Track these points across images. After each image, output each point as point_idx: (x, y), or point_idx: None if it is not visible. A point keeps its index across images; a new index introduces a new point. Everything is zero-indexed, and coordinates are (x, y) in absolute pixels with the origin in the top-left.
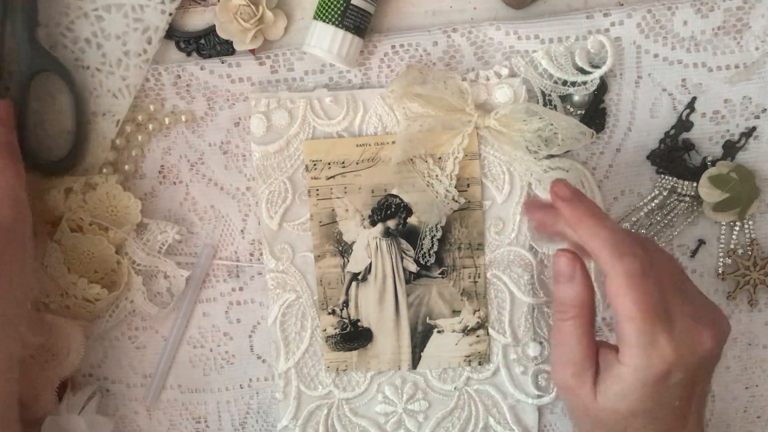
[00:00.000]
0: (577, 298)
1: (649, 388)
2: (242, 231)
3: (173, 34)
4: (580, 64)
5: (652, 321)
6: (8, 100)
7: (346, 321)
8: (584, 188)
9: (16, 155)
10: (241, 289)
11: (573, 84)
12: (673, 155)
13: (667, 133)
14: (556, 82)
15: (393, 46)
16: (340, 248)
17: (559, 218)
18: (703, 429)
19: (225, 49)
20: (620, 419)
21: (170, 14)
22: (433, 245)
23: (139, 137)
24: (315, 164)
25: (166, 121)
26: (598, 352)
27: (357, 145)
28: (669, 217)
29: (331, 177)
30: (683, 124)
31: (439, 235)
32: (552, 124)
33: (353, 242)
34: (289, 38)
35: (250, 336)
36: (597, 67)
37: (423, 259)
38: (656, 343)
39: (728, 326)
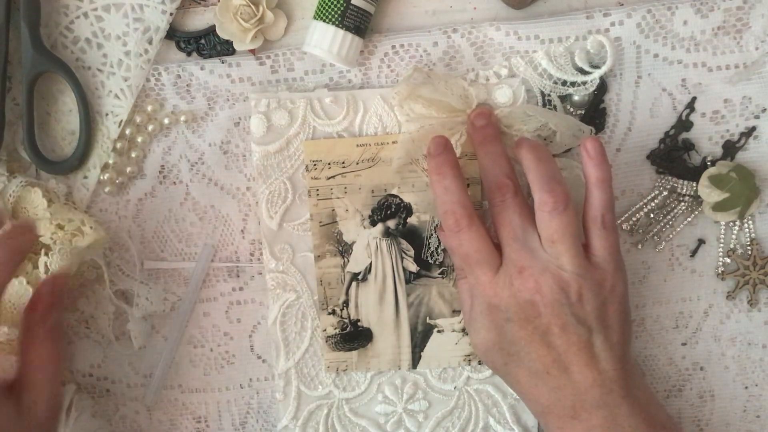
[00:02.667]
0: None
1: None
2: (242, 231)
3: (173, 34)
4: (579, 64)
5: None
6: (62, 275)
7: (346, 321)
8: (584, 188)
9: (61, 339)
10: (241, 288)
11: (573, 84)
12: (673, 155)
13: (667, 133)
14: (555, 83)
15: (393, 46)
16: (340, 248)
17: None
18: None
19: (225, 49)
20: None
21: (171, 14)
22: (440, 243)
23: (139, 138)
24: (315, 164)
25: (166, 121)
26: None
27: (357, 145)
28: (669, 217)
29: (331, 177)
30: (683, 124)
31: None
32: (549, 125)
33: (353, 242)
34: (289, 38)
35: (250, 336)
36: (597, 67)
37: (431, 258)
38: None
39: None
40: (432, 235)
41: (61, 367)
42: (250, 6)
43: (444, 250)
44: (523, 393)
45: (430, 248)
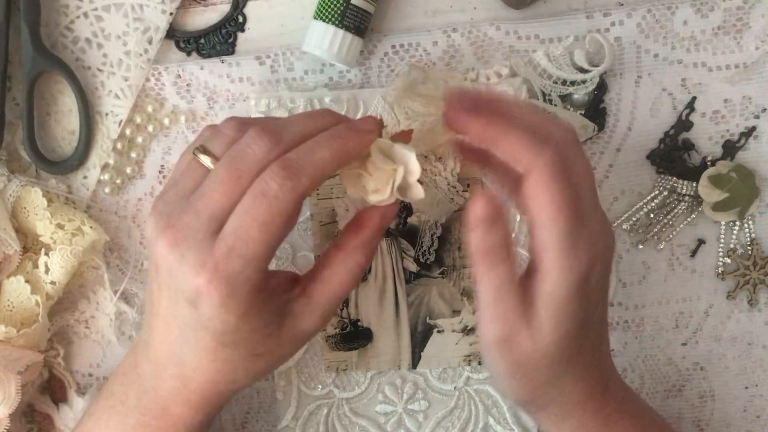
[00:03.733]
0: (506, 238)
1: (576, 292)
2: None
3: (173, 33)
4: (579, 63)
5: (575, 217)
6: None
7: (346, 321)
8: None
9: (361, 274)
10: None
11: (572, 83)
12: (673, 155)
13: (667, 133)
14: (555, 82)
15: (393, 46)
16: None
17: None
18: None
19: (225, 48)
20: (558, 352)
21: (171, 14)
22: (433, 243)
23: (140, 138)
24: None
25: (166, 121)
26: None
27: None
28: (669, 217)
29: (332, 177)
30: (683, 124)
31: (438, 232)
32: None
33: None
34: (289, 38)
35: None
36: (596, 66)
37: (423, 257)
38: (578, 241)
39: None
40: (425, 234)
41: (343, 298)
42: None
43: (436, 250)
44: None
45: (422, 247)
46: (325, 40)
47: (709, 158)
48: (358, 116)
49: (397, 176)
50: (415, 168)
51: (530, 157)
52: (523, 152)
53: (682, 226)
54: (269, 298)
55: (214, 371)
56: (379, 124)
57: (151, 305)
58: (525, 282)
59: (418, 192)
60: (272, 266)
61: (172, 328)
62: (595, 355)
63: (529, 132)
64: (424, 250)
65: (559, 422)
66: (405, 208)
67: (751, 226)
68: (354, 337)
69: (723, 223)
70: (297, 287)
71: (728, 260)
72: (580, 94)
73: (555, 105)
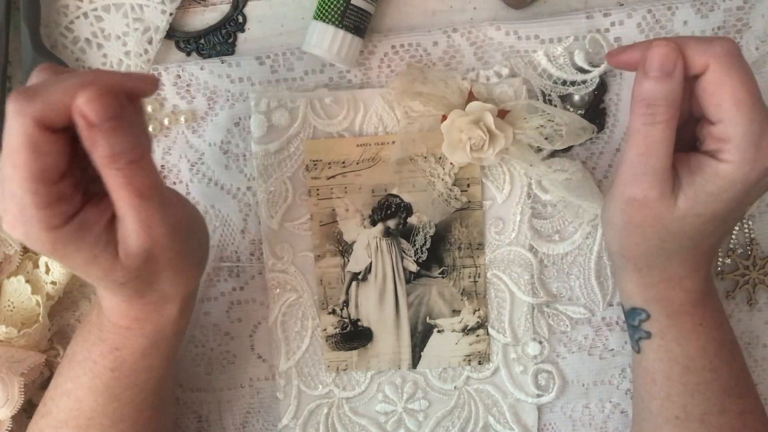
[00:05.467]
0: (674, 98)
1: (746, 186)
2: (242, 231)
3: (173, 33)
4: (579, 63)
5: (761, 107)
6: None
7: (347, 320)
8: (584, 188)
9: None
10: (241, 288)
11: (573, 83)
12: None
13: None
14: (555, 82)
15: (393, 46)
16: (341, 248)
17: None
18: None
19: (225, 49)
20: (699, 224)
21: (170, 14)
22: (426, 242)
23: None
24: (315, 164)
25: (166, 121)
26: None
27: (357, 145)
28: None
29: (332, 177)
30: None
31: (432, 232)
32: (552, 121)
33: (353, 242)
34: (289, 38)
35: (250, 335)
36: (596, 66)
37: (415, 255)
38: (765, 134)
39: None
40: (419, 233)
41: (144, 201)
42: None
43: (429, 249)
44: None
45: (415, 245)
46: (325, 40)
47: None
48: (359, 116)
49: (485, 116)
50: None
51: (703, 54)
52: (696, 50)
53: None
54: (81, 232)
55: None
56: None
57: None
58: (689, 153)
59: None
60: (273, 265)
61: None
62: (713, 250)
63: (696, 37)
64: (416, 249)
65: (647, 286)
66: (405, 208)
67: (751, 226)
68: (354, 336)
69: None
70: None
71: (728, 260)
72: (580, 94)
73: (555, 105)
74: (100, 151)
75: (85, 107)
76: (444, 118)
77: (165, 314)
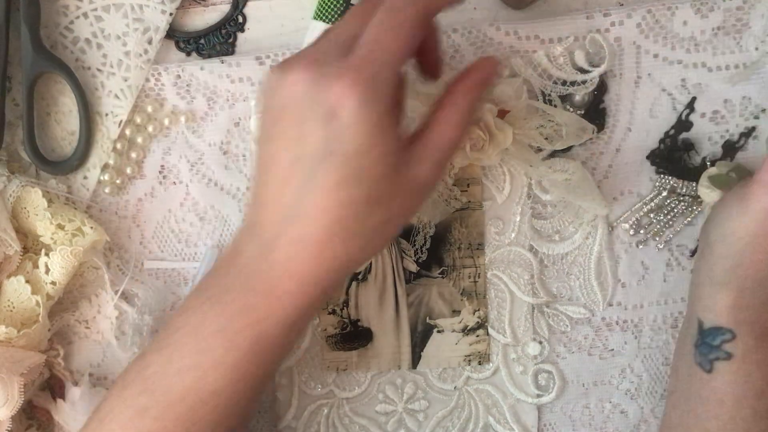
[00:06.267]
0: None
1: None
2: None
3: (173, 34)
4: (579, 63)
5: None
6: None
7: (346, 321)
8: (584, 188)
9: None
10: None
11: (572, 84)
12: (673, 155)
13: (666, 133)
14: (555, 82)
15: None
16: None
17: None
18: None
19: (225, 49)
20: None
21: (170, 14)
22: (426, 242)
23: (139, 139)
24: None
25: (166, 121)
26: None
27: None
28: (668, 217)
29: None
30: (683, 124)
31: (432, 232)
32: (552, 121)
33: None
34: (289, 38)
35: None
36: (596, 66)
37: (415, 255)
38: None
39: None
40: (419, 233)
41: (456, 145)
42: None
43: (429, 249)
44: None
45: (415, 246)
46: None
47: (708, 158)
48: None
49: (485, 116)
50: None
51: None
52: None
53: (681, 226)
54: (394, 127)
55: (330, 224)
56: None
57: (265, 171)
58: None
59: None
60: None
61: (291, 177)
62: None
63: None
64: (416, 249)
65: (742, 308)
66: None
67: None
68: (354, 337)
69: None
70: (415, 131)
71: None
72: (580, 94)
73: (555, 105)
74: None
75: None
76: None
77: (338, 281)
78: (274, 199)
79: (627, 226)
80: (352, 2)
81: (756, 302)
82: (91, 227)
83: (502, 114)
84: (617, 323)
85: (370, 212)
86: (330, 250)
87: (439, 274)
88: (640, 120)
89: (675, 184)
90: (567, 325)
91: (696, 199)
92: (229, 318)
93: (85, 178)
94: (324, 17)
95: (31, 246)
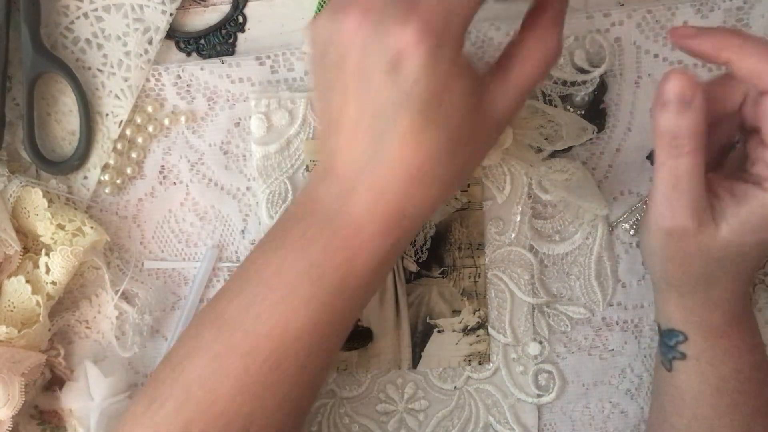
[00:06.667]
0: (696, 128)
1: None
2: (243, 231)
3: (173, 34)
4: (579, 63)
5: None
6: None
7: None
8: (584, 189)
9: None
10: None
11: (573, 84)
12: None
13: None
14: (555, 82)
15: None
16: None
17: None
18: None
19: (225, 49)
20: (745, 251)
21: (171, 14)
22: (426, 242)
23: (140, 139)
24: (315, 164)
25: (166, 121)
26: (714, 185)
27: None
28: None
29: None
30: None
31: (432, 232)
32: (552, 121)
33: None
34: (289, 38)
35: None
36: (596, 66)
37: (415, 255)
38: None
39: None
40: (419, 233)
41: (537, 80)
42: None
43: (429, 249)
44: None
45: (415, 245)
46: None
47: None
48: None
49: None
50: None
51: None
52: (764, 72)
53: None
54: (469, 67)
55: (411, 168)
56: None
57: (333, 121)
58: (734, 181)
59: None
60: None
61: (363, 126)
62: (755, 271)
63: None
64: (417, 249)
65: (688, 310)
66: None
67: None
68: (354, 337)
69: None
70: (492, 67)
71: None
72: (580, 94)
73: (555, 105)
74: None
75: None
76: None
77: (420, 223)
78: (349, 148)
79: (627, 226)
80: None
81: (698, 304)
82: (92, 227)
83: None
84: (617, 323)
85: (452, 155)
86: (410, 196)
87: (440, 274)
88: (640, 120)
89: None
90: (567, 325)
91: None
92: (315, 259)
93: (86, 178)
94: None
95: (31, 246)
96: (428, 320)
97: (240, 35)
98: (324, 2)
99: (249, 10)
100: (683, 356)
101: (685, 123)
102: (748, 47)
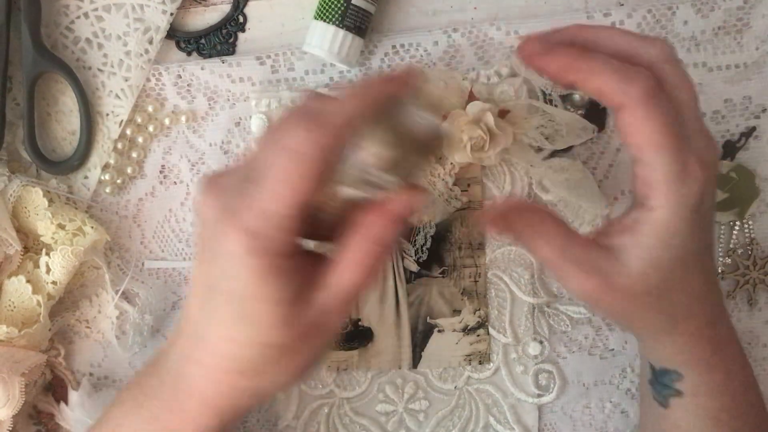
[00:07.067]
0: (531, 227)
1: (689, 222)
2: None
3: (174, 34)
4: None
5: (679, 143)
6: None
7: (347, 320)
8: (584, 188)
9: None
10: None
11: None
12: None
13: None
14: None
15: (393, 46)
16: None
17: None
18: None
19: (225, 48)
20: (665, 275)
21: (171, 14)
22: (426, 241)
23: (140, 138)
24: None
25: (166, 121)
26: (596, 240)
27: None
28: None
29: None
30: None
31: (432, 231)
32: (553, 121)
33: None
34: (290, 38)
35: None
36: None
37: (416, 255)
38: (686, 167)
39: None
40: (419, 233)
41: (360, 290)
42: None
43: (429, 249)
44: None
45: (416, 245)
46: (326, 40)
47: None
48: None
49: (485, 116)
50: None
51: (618, 94)
52: (610, 91)
53: None
54: (291, 274)
55: (229, 357)
56: (414, 75)
57: (191, 285)
58: (623, 217)
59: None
60: None
61: (201, 300)
62: (711, 278)
63: (614, 67)
64: (417, 249)
65: (675, 352)
66: None
67: (751, 226)
68: (355, 336)
69: (723, 223)
70: (318, 273)
71: (728, 260)
72: (580, 94)
73: (555, 105)
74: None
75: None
76: (444, 117)
77: (243, 410)
78: (189, 316)
79: None
80: (352, 2)
81: (679, 343)
82: (92, 227)
83: (502, 114)
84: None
85: (270, 355)
86: (230, 382)
87: (440, 273)
88: None
89: None
90: (567, 325)
91: None
92: (144, 422)
93: (86, 177)
94: (324, 17)
95: (31, 246)
96: (428, 320)
97: (240, 35)
98: (324, 2)
99: (249, 9)
100: (680, 393)
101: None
102: (592, 70)
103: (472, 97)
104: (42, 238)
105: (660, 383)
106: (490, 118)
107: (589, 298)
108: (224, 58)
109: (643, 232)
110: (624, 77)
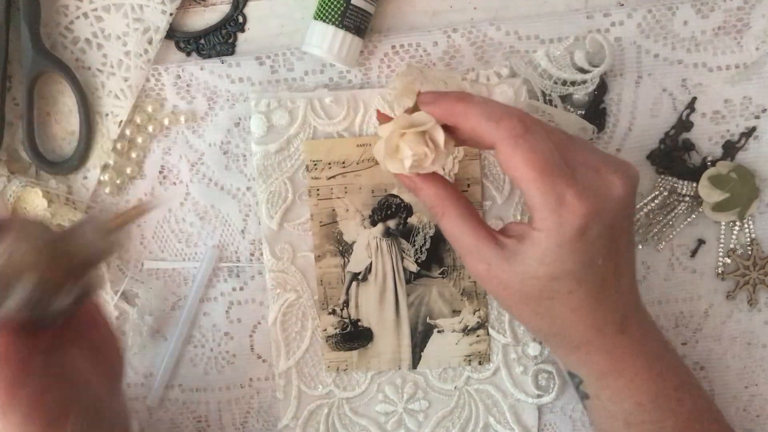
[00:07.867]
0: (437, 197)
1: (566, 248)
2: (242, 231)
3: (173, 34)
4: (579, 63)
5: (552, 177)
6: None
7: (347, 321)
8: None
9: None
10: (241, 288)
11: (573, 84)
12: (673, 155)
13: (667, 133)
14: (555, 82)
15: (393, 46)
16: (341, 248)
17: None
18: (637, 288)
19: (225, 49)
20: (543, 286)
21: (171, 14)
22: (426, 242)
23: (140, 139)
24: (315, 164)
25: (166, 121)
26: (497, 231)
27: (357, 145)
28: (669, 217)
29: (332, 177)
30: (683, 124)
31: (431, 232)
32: (553, 121)
33: (353, 242)
34: (289, 38)
35: (250, 336)
36: (596, 66)
37: (415, 255)
38: (563, 199)
39: (635, 171)
40: (419, 233)
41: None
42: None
43: (428, 249)
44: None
45: (415, 245)
46: (325, 40)
47: (709, 158)
48: (359, 116)
49: (434, 130)
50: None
51: (491, 133)
52: (482, 132)
53: (682, 226)
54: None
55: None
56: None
57: None
58: (523, 224)
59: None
60: (273, 265)
61: None
62: (601, 296)
63: (485, 110)
64: (417, 249)
65: (566, 354)
66: (405, 208)
67: (751, 226)
68: (354, 337)
69: (723, 223)
70: None
71: (728, 260)
72: (580, 94)
73: (555, 105)
74: None
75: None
76: (386, 118)
77: None
78: None
79: None
80: (352, 2)
81: (569, 348)
82: None
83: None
84: None
85: None
86: None
87: (440, 274)
88: (640, 120)
89: (675, 185)
90: None
91: (697, 199)
92: None
93: (85, 178)
94: (324, 17)
95: None
96: (428, 320)
97: (240, 35)
98: (324, 2)
99: (249, 10)
100: (587, 396)
101: (425, 198)
102: (468, 113)
103: (417, 107)
104: None
105: (573, 383)
106: (440, 135)
107: (477, 278)
108: (224, 58)
109: (525, 244)
110: (493, 123)
